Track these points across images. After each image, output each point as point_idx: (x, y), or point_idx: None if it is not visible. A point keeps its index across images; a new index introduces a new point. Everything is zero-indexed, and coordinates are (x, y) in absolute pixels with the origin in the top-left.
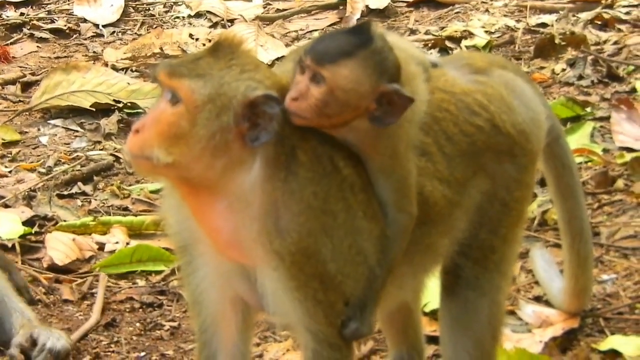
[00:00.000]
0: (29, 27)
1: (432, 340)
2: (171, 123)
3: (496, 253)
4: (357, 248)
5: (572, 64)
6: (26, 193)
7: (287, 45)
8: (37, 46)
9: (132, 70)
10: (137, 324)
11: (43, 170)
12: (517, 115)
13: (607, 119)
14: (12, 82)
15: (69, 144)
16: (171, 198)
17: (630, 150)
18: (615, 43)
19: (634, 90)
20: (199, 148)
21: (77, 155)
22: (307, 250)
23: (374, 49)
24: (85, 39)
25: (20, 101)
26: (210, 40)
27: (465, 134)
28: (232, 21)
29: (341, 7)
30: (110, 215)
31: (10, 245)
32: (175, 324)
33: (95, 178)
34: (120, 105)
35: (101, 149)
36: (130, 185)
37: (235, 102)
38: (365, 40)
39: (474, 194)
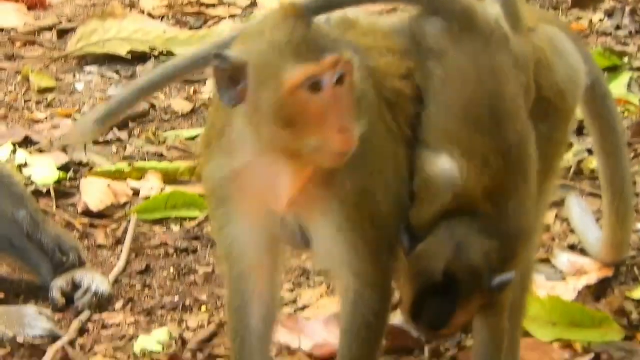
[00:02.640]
0: None
1: None
2: (352, 94)
3: None
4: (404, 192)
5: (609, 14)
6: (61, 139)
7: None
8: None
9: (168, 18)
10: (171, 269)
11: (78, 117)
12: (556, 74)
13: None
14: (48, 28)
15: (104, 90)
16: (217, 153)
17: None
18: None
19: None
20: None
21: None
22: (362, 193)
23: None
24: None
25: (56, 48)
26: None
27: None
28: None
29: None
30: (145, 161)
31: (45, 190)
32: (209, 269)
33: (130, 124)
34: (156, 52)
35: None
36: (165, 131)
37: None
38: None
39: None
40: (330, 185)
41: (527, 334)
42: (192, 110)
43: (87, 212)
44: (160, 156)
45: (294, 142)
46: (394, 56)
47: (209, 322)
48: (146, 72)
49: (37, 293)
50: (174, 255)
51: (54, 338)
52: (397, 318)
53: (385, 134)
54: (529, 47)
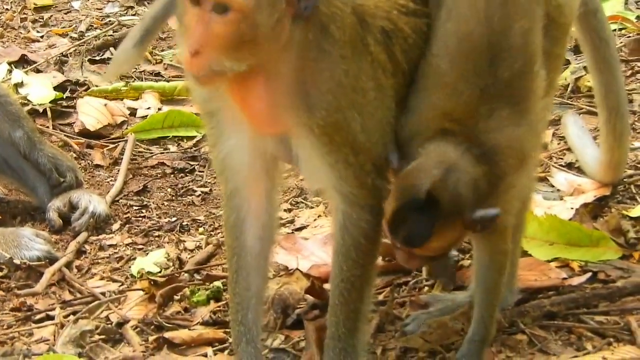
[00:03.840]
0: None
1: None
2: (233, 32)
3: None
4: (387, 121)
5: None
6: (58, 58)
7: None
8: None
9: None
10: (169, 189)
11: (75, 35)
12: None
13: None
14: None
15: (101, 9)
16: None
17: None
18: None
19: None
20: (265, 45)
21: (110, 21)
22: (336, 124)
23: None
24: None
25: None
26: None
27: None
28: None
29: None
30: (142, 80)
31: (41, 110)
32: (206, 189)
33: None
34: None
35: (134, 15)
36: (162, 50)
37: None
38: None
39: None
40: (305, 108)
41: (525, 253)
42: None
43: (84, 132)
44: (157, 75)
45: (182, 45)
46: None
47: (206, 244)
48: None
49: (34, 214)
50: (172, 176)
51: (51, 260)
52: None
53: (367, 66)
54: None
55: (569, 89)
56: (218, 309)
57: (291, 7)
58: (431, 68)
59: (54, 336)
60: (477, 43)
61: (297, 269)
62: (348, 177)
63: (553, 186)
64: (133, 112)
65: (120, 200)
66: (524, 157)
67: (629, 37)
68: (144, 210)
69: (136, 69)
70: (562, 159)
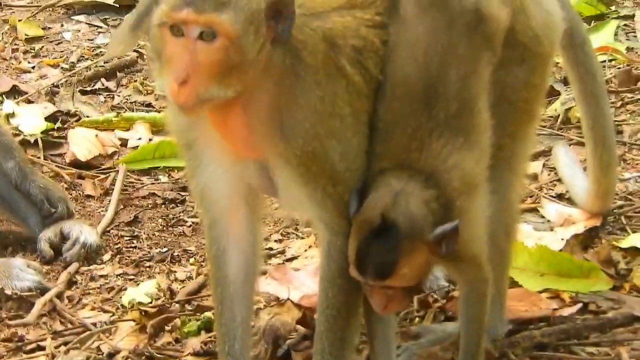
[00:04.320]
0: None
1: None
2: (221, 60)
3: (504, 151)
4: (364, 148)
5: None
6: (49, 89)
7: None
8: None
9: None
10: (160, 220)
11: (66, 66)
12: (531, 20)
13: (631, 17)
14: None
15: (92, 40)
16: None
17: None
18: None
19: None
20: (252, 69)
21: (101, 52)
22: (314, 153)
23: None
24: None
25: None
26: None
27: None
28: None
29: None
30: (133, 111)
31: (32, 140)
32: (197, 219)
33: (118, 74)
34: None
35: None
36: (153, 81)
37: (263, 11)
38: None
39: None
40: (281, 137)
41: (515, 284)
42: None
43: (75, 163)
44: (148, 106)
45: (159, 79)
46: (368, 9)
47: (197, 274)
48: None
49: (25, 245)
50: (163, 206)
51: (42, 290)
52: None
53: (343, 91)
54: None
55: (559, 120)
56: (209, 339)
57: (271, 31)
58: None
59: None
60: (413, 87)
61: (288, 299)
62: (328, 207)
63: (543, 217)
64: (124, 142)
65: (112, 231)
66: (471, 182)
67: (619, 68)
68: (135, 241)
69: (127, 100)
70: (552, 189)
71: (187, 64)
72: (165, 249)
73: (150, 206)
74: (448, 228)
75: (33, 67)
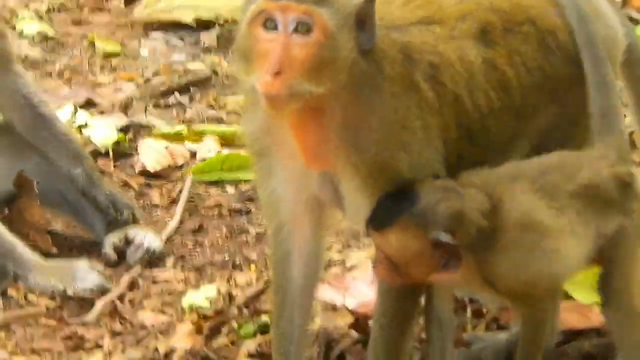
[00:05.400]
0: None
1: None
2: (315, 54)
3: None
4: (434, 163)
5: None
6: (123, 102)
7: None
8: None
9: None
10: (224, 229)
11: (141, 81)
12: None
13: None
14: None
15: (168, 56)
16: (250, 107)
17: None
18: None
19: None
20: (343, 70)
21: (176, 68)
22: (383, 164)
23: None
24: None
25: (122, 14)
26: None
27: (542, 70)
28: None
29: None
30: (204, 123)
31: (104, 151)
32: (261, 229)
33: (192, 89)
34: (222, 20)
35: (200, 62)
36: (226, 96)
37: (353, 14)
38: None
39: (541, 122)
40: (353, 145)
41: (568, 297)
42: None
43: (144, 173)
44: (219, 121)
45: (246, 78)
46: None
47: (257, 280)
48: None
49: (90, 249)
50: (228, 216)
51: (103, 292)
52: None
53: (414, 105)
54: None
55: None
56: (264, 342)
57: (356, 39)
58: None
59: None
60: None
61: (343, 305)
62: None
63: None
64: (193, 154)
65: (176, 238)
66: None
67: None
68: (198, 248)
69: (199, 114)
70: None
71: (281, 56)
72: (227, 256)
73: (215, 216)
74: (444, 238)
75: (109, 82)
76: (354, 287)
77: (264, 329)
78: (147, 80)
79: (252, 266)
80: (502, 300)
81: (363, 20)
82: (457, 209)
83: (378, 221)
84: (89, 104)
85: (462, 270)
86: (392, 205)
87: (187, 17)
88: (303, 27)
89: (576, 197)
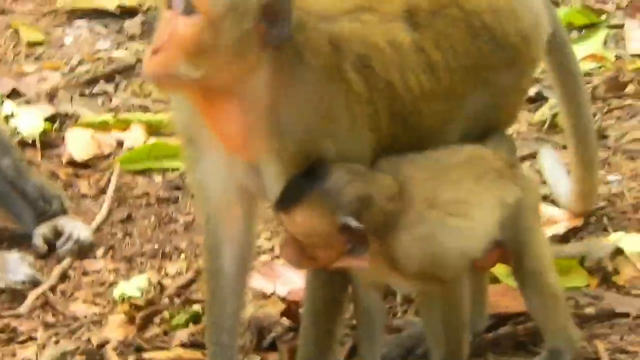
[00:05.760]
0: None
1: None
2: (193, 37)
3: None
4: (362, 154)
5: None
6: (48, 91)
7: None
8: None
9: None
10: (152, 218)
11: (66, 70)
12: (522, 22)
13: (621, 26)
14: None
15: (93, 45)
16: (179, 96)
17: None
18: None
19: None
20: (225, 58)
21: (100, 56)
22: (308, 153)
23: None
24: None
25: (46, 3)
26: None
27: (469, 52)
28: None
29: None
30: (130, 113)
31: (30, 141)
32: (189, 218)
33: (117, 78)
34: (145, 7)
35: (125, 49)
36: (151, 85)
37: (254, 7)
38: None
39: (470, 105)
40: (275, 134)
41: (496, 280)
42: None
43: (71, 163)
44: (145, 109)
45: None
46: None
47: (187, 269)
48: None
49: (20, 240)
50: (156, 205)
51: (35, 284)
52: None
53: (341, 96)
54: None
55: (546, 125)
56: (196, 332)
57: (260, 30)
58: None
59: (36, 356)
60: None
61: (273, 293)
62: None
63: None
64: (120, 143)
65: (105, 228)
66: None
67: (608, 75)
68: (127, 238)
69: (125, 102)
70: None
71: (163, 34)
72: (156, 246)
73: (143, 205)
74: (351, 223)
75: (34, 71)
76: (284, 274)
77: (196, 319)
78: (72, 69)
79: (182, 255)
80: (412, 287)
81: (274, 16)
82: (364, 192)
83: (285, 200)
84: (14, 94)
85: (370, 256)
86: (300, 184)
87: (111, 5)
88: (187, 8)
89: (467, 165)
